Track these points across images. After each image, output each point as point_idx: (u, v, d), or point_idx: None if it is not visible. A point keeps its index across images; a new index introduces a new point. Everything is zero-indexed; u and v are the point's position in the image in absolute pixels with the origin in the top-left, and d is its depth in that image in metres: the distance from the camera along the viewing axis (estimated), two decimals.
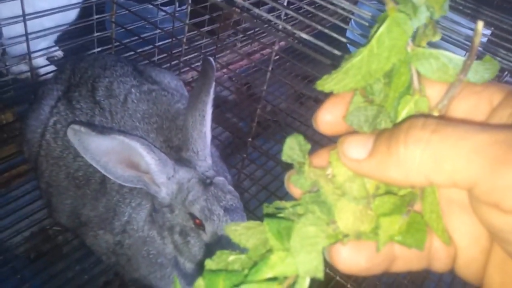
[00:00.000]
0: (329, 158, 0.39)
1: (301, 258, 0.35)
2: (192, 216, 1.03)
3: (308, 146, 0.41)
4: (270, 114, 2.19)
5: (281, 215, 0.39)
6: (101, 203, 1.16)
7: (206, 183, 1.06)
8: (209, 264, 0.38)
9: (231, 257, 0.38)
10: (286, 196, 1.71)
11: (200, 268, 1.09)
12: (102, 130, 0.96)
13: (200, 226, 1.03)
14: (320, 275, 0.35)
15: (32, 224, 1.49)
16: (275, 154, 1.94)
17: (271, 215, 0.39)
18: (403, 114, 0.37)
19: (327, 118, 0.41)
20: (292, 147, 0.41)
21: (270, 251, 0.37)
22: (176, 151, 1.18)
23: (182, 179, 1.05)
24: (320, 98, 2.47)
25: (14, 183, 1.60)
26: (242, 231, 0.39)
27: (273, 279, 0.36)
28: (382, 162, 0.34)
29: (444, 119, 0.35)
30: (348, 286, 1.45)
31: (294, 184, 0.41)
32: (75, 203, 1.20)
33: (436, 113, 0.36)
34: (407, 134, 0.33)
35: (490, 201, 0.30)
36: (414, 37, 0.37)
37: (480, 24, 0.33)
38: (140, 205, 1.13)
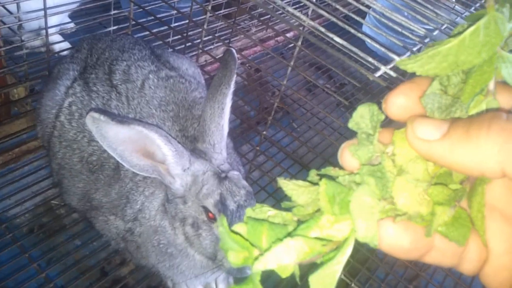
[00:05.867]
0: (392, 137, 0.39)
1: (360, 224, 0.36)
2: (205, 209, 1.03)
3: (382, 117, 0.40)
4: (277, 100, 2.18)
5: (338, 180, 0.39)
6: (114, 190, 1.15)
7: (221, 177, 1.05)
8: (250, 212, 0.40)
9: (272, 212, 0.40)
10: None
11: (210, 261, 1.08)
12: (122, 119, 0.94)
13: (212, 219, 1.03)
14: (376, 243, 0.37)
15: (33, 195, 1.49)
16: (285, 146, 1.93)
17: (330, 177, 0.39)
18: (473, 111, 0.37)
19: (400, 101, 0.40)
20: (363, 116, 0.40)
21: (318, 212, 0.39)
22: (191, 141, 1.17)
23: (197, 171, 1.04)
24: (329, 87, 2.46)
25: (24, 159, 1.59)
26: (293, 187, 0.41)
27: (318, 239, 0.37)
28: (457, 145, 0.34)
29: None
30: (352, 285, 1.46)
31: (352, 154, 0.40)
32: (87, 187, 1.20)
33: None
34: (491, 123, 0.33)
35: None
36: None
37: None
38: (153, 194, 1.12)
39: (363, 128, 0.40)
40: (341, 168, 0.42)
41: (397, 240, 0.37)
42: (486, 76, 0.36)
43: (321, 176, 0.40)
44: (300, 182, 0.41)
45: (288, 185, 0.41)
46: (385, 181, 0.38)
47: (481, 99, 0.37)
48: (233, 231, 0.38)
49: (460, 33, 0.36)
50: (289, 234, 0.37)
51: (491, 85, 0.37)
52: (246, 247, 0.37)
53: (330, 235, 0.37)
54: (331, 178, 0.40)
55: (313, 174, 0.41)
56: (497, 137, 0.33)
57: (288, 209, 0.41)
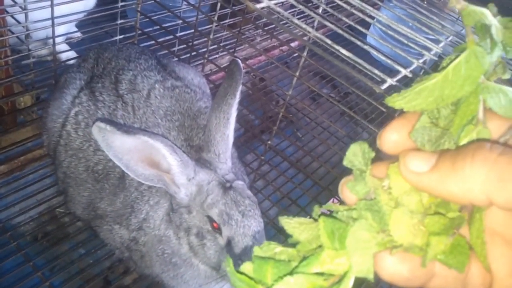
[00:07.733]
0: (387, 171, 0.40)
1: (356, 259, 0.38)
2: (210, 219, 1.03)
3: (372, 155, 0.42)
4: (282, 109, 2.19)
5: (337, 216, 0.41)
6: (119, 199, 1.15)
7: (225, 186, 1.05)
8: (257, 251, 0.41)
9: (278, 249, 0.41)
10: (299, 199, 1.70)
11: (214, 271, 1.08)
12: (127, 129, 0.95)
13: (217, 229, 1.03)
14: (371, 276, 0.38)
15: (38, 204, 1.49)
16: (289, 156, 1.93)
17: (326, 215, 0.41)
18: (464, 141, 0.38)
19: (393, 137, 0.42)
20: (356, 154, 0.43)
21: (320, 248, 0.40)
22: (196, 150, 1.17)
23: (202, 181, 1.05)
24: (333, 96, 2.46)
25: (29, 167, 1.60)
26: (295, 225, 0.42)
27: (319, 274, 0.38)
28: (445, 176, 0.36)
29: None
30: None
31: (350, 190, 0.42)
32: (93, 196, 1.20)
33: None
34: (475, 153, 0.35)
35: None
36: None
37: None
38: (158, 204, 1.12)
39: (357, 165, 0.42)
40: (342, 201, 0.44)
41: (395, 271, 0.38)
42: (472, 107, 0.38)
43: (323, 214, 0.42)
44: (302, 220, 0.43)
45: (289, 224, 0.43)
46: (382, 214, 0.39)
47: (471, 129, 0.38)
48: (239, 271, 0.39)
49: (445, 67, 0.38)
50: (292, 271, 0.38)
51: (480, 115, 0.38)
52: (252, 285, 0.39)
53: (331, 270, 0.38)
54: (328, 214, 0.41)
55: (317, 210, 0.43)
56: (481, 167, 0.34)
57: (294, 245, 0.43)
